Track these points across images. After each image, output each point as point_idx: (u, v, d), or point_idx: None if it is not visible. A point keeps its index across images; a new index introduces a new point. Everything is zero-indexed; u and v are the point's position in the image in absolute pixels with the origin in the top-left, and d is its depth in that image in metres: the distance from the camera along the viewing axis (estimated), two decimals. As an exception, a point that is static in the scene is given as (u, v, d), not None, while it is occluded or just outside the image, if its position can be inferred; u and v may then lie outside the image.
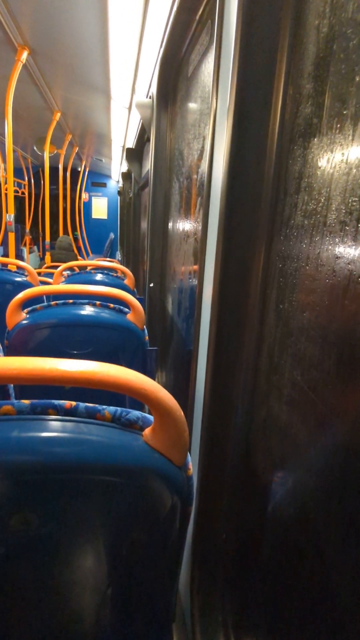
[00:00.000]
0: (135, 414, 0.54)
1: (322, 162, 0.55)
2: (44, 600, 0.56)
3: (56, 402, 0.52)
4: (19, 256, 5.89)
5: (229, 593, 0.91)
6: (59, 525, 0.51)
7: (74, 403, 0.53)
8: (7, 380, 0.46)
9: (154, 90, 1.99)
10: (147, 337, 1.37)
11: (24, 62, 2.99)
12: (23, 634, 0.58)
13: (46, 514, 0.50)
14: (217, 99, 0.82)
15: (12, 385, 1.23)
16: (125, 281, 2.20)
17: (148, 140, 2.52)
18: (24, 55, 2.93)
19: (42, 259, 6.23)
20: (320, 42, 0.57)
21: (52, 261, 4.94)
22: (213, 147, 0.85)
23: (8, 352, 1.26)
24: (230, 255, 0.76)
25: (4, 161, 6.30)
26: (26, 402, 0.52)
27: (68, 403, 0.53)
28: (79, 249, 8.54)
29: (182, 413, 0.51)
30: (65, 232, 6.94)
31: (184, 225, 1.67)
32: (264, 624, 0.77)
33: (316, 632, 0.58)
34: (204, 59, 1.30)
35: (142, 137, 3.36)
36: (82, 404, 0.53)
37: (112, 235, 9.44)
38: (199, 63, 1.38)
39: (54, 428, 0.50)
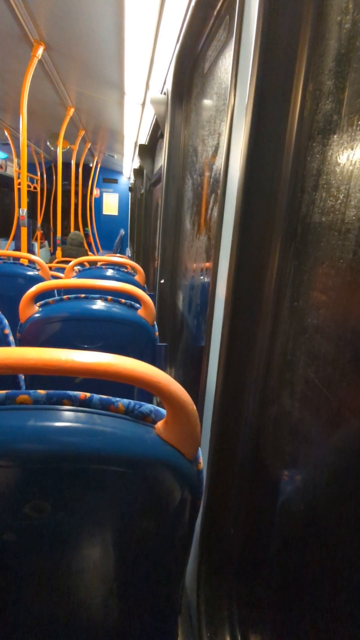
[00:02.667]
0: (148, 406, 0.55)
1: (342, 159, 0.55)
2: (51, 588, 0.56)
3: (71, 392, 0.53)
4: (30, 251, 5.93)
5: (235, 588, 0.91)
6: (70, 514, 0.52)
7: (88, 394, 0.53)
8: (24, 370, 0.47)
9: (168, 86, 1.99)
10: (157, 333, 1.37)
11: (39, 57, 3.01)
12: (30, 621, 0.58)
13: (59, 502, 0.51)
14: (235, 94, 0.82)
15: (22, 376, 1.25)
16: (136, 277, 2.21)
17: (161, 136, 2.52)
18: (40, 50, 2.95)
19: (53, 253, 6.27)
20: (343, 39, 0.57)
21: (62, 256, 4.97)
22: (230, 144, 0.85)
23: (20, 345, 1.27)
24: (245, 252, 0.76)
25: (18, 156, 6.34)
26: (42, 392, 0.53)
27: (82, 394, 0.53)
28: (89, 244, 8.57)
29: (195, 407, 0.51)
30: (76, 227, 6.98)
31: (197, 222, 1.67)
32: (270, 619, 0.77)
33: (323, 628, 0.58)
34: (221, 55, 1.29)
35: (155, 134, 3.36)
36: (96, 396, 0.54)
37: (122, 232, 9.46)
38: (215, 59, 1.37)
39: (69, 418, 0.51)
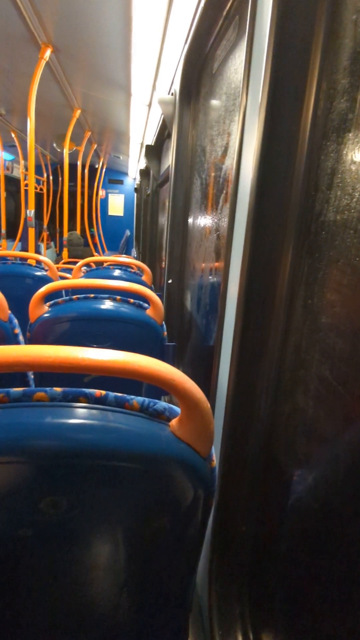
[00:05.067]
0: (162, 404, 0.55)
1: (358, 158, 0.55)
2: (64, 583, 0.57)
3: (87, 390, 0.54)
4: (37, 251, 5.97)
5: (247, 585, 0.91)
6: (84, 511, 0.52)
7: (103, 392, 0.54)
8: (42, 367, 0.48)
9: (176, 86, 2.00)
10: (165, 333, 1.38)
11: (47, 60, 3.03)
12: (43, 616, 0.59)
13: (74, 498, 0.51)
14: (247, 94, 0.82)
15: (32, 375, 1.26)
16: (143, 277, 2.22)
17: (168, 137, 2.52)
18: (48, 53, 2.97)
19: (59, 254, 6.30)
20: (357, 37, 0.57)
21: (68, 257, 5.00)
22: (242, 143, 0.85)
23: (30, 344, 1.28)
24: (257, 251, 0.76)
25: (25, 158, 6.38)
26: (58, 389, 0.53)
27: (98, 392, 0.54)
28: (95, 245, 8.60)
29: (209, 405, 0.51)
30: (82, 228, 7.01)
31: (206, 222, 1.67)
32: (281, 617, 0.77)
33: (335, 626, 0.58)
34: (231, 54, 1.29)
35: (162, 134, 3.37)
36: (111, 393, 0.54)
37: (128, 232, 9.49)
38: (224, 59, 1.38)
39: (85, 415, 0.51)
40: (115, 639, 0.62)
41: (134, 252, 8.59)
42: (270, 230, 0.75)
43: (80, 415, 0.51)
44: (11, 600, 0.56)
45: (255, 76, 0.78)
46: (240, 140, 0.85)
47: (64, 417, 0.51)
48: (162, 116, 2.31)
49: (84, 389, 0.54)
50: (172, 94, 2.09)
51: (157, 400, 0.56)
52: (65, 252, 5.21)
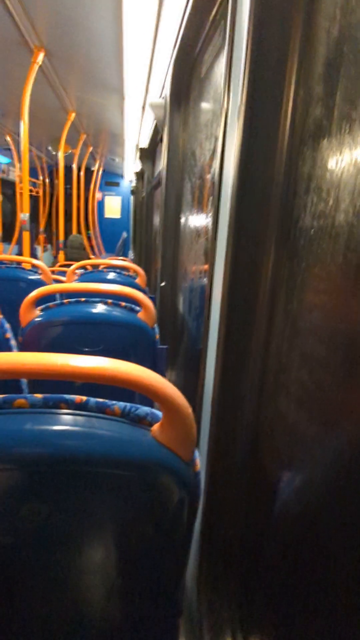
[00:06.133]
0: (144, 409, 0.55)
1: (331, 164, 0.56)
2: (51, 590, 0.57)
3: (67, 396, 0.54)
4: (33, 255, 5.96)
5: (236, 588, 0.92)
6: (68, 517, 0.52)
7: (84, 398, 0.54)
8: (21, 375, 0.48)
9: (167, 90, 2.01)
10: (157, 336, 1.38)
11: (40, 63, 3.03)
12: (31, 623, 0.59)
13: (56, 505, 0.51)
14: (228, 99, 0.83)
15: (25, 381, 1.26)
16: (137, 280, 2.22)
17: (161, 140, 2.53)
18: (40, 56, 2.97)
19: (56, 257, 6.29)
20: (331, 45, 0.57)
21: (65, 260, 4.99)
22: (224, 148, 0.86)
23: (22, 349, 1.28)
24: (239, 255, 0.77)
25: (20, 161, 6.39)
26: (39, 396, 0.54)
27: (78, 398, 0.54)
28: (92, 248, 8.60)
29: (190, 410, 0.52)
30: (79, 231, 7.00)
31: (195, 225, 1.68)
32: (271, 619, 0.77)
33: (323, 628, 0.58)
34: (217, 59, 1.30)
35: (156, 137, 3.38)
36: (92, 399, 0.54)
37: (124, 234, 9.49)
38: (212, 64, 1.39)
39: (65, 422, 0.51)
40: None
41: (131, 254, 8.59)
42: (251, 235, 0.75)
43: (61, 421, 0.52)
44: (1, 606, 0.56)
45: (235, 81, 0.79)
46: (223, 145, 0.86)
47: (45, 423, 0.51)
48: (155, 119, 2.32)
49: (64, 395, 0.54)
50: (164, 98, 2.10)
51: (139, 406, 0.56)
52: (61, 255, 5.20)
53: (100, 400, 0.54)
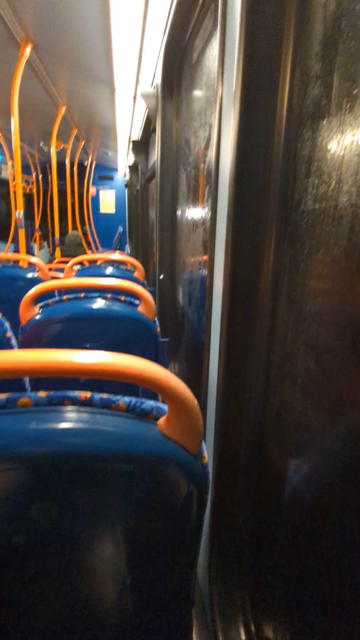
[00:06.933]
0: (149, 403, 0.55)
1: (332, 144, 0.54)
2: (64, 587, 0.57)
3: (71, 393, 0.53)
4: (30, 252, 5.94)
5: (247, 578, 0.92)
6: (77, 514, 0.52)
7: (88, 394, 0.53)
8: (24, 373, 0.47)
9: (158, 79, 1.97)
10: (158, 329, 1.37)
11: (27, 57, 2.98)
12: (46, 621, 0.59)
13: (65, 503, 0.51)
14: (222, 84, 0.81)
15: (27, 378, 1.26)
16: (135, 274, 2.21)
17: (154, 130, 2.50)
18: (28, 50, 2.92)
19: (52, 254, 6.26)
20: (328, 20, 0.55)
21: (62, 256, 4.96)
22: (220, 134, 0.84)
23: (23, 347, 1.28)
24: (240, 243, 0.75)
25: (12, 158, 6.32)
26: (42, 394, 0.53)
27: (83, 394, 0.53)
28: (88, 243, 8.56)
29: (196, 402, 0.51)
30: (74, 227, 6.96)
31: (193, 216, 1.66)
32: (283, 608, 0.78)
33: (335, 617, 0.58)
34: (208, 44, 1.27)
35: (148, 128, 3.34)
36: (97, 395, 0.54)
37: (120, 229, 9.44)
38: (203, 49, 1.36)
39: (70, 419, 0.51)
40: (120, 637, 0.62)
41: (127, 248, 8.55)
42: (251, 222, 0.74)
43: (66, 418, 0.51)
44: (12, 605, 0.56)
45: (229, 65, 0.77)
46: (219, 132, 0.84)
47: (50, 421, 0.51)
48: (147, 110, 2.29)
49: (68, 392, 0.53)
50: (155, 87, 2.06)
51: (144, 400, 0.55)
52: (57, 252, 5.18)
53: (105, 396, 0.54)
